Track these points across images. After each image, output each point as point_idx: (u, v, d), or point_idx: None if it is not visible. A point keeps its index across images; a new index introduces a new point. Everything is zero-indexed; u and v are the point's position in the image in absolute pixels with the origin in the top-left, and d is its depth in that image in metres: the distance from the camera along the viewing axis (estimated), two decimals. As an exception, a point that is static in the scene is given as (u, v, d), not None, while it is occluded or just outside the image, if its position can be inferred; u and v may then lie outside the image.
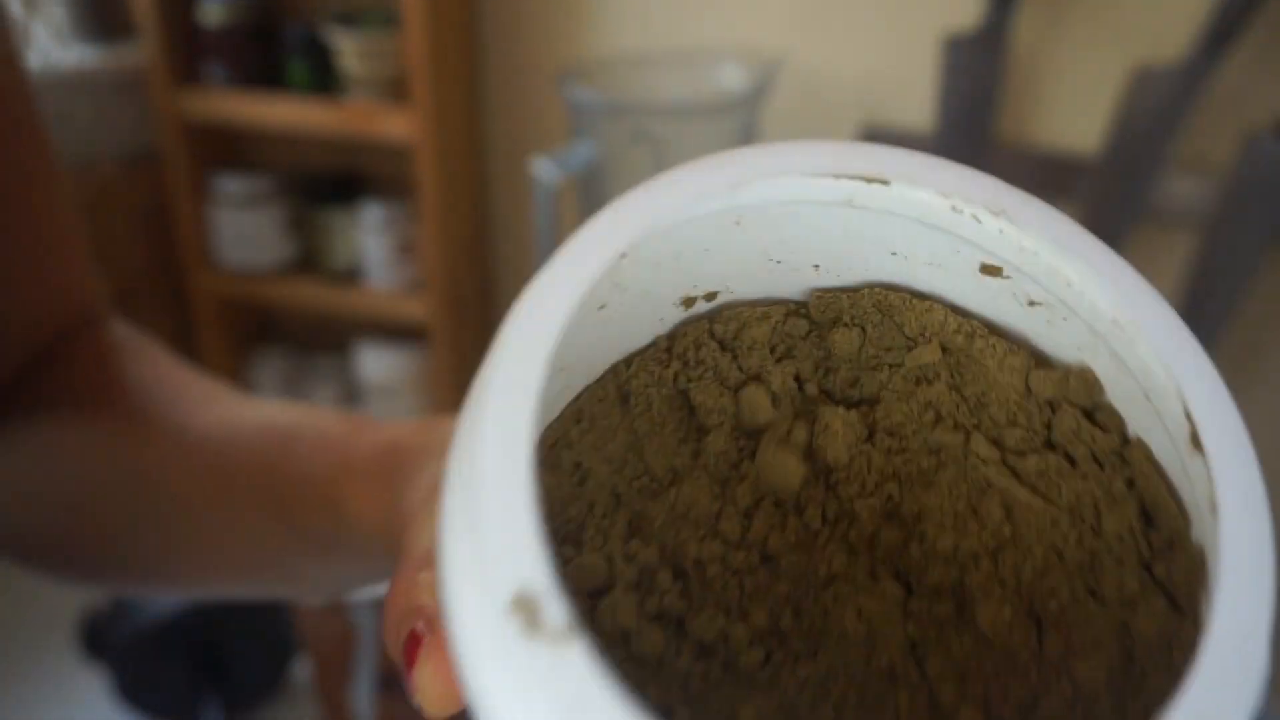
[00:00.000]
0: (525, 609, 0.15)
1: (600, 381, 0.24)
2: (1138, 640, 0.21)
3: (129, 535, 0.32)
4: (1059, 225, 0.21)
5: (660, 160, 0.81)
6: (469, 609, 0.16)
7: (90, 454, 0.31)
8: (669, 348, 0.25)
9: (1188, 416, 0.20)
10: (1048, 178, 0.78)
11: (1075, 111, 0.80)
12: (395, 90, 0.99)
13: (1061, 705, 0.22)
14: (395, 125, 0.97)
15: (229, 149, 1.14)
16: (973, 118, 0.79)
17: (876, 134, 0.90)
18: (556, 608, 0.16)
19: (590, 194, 0.84)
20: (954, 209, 0.21)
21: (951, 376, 0.25)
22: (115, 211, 1.10)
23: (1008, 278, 0.22)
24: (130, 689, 0.77)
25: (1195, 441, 0.19)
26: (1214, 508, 0.18)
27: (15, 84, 0.31)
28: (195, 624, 0.79)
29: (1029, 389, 0.24)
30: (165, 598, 0.67)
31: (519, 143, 1.04)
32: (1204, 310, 0.72)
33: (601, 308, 0.22)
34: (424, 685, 0.21)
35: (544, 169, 0.76)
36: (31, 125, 0.32)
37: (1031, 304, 0.23)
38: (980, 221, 0.21)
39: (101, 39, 1.12)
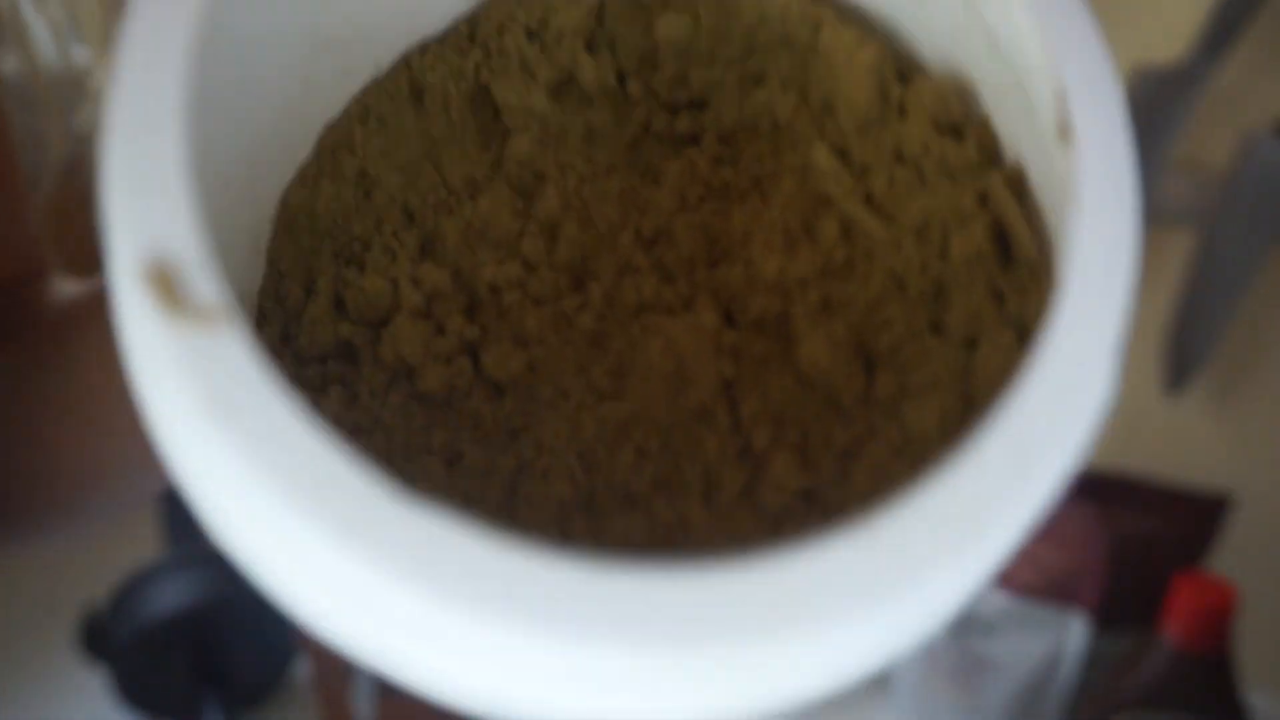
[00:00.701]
0: (163, 280, 0.12)
1: (391, 75, 0.20)
2: (978, 379, 0.18)
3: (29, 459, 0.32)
4: None
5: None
6: (112, 269, 0.13)
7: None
8: (470, 33, 0.21)
9: (1060, 99, 0.16)
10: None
11: (1075, 111, 0.79)
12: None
13: (887, 452, 0.19)
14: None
15: (229, 149, 1.14)
16: (973, 118, 0.78)
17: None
18: (205, 280, 0.13)
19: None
20: None
21: (794, 75, 0.21)
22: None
23: None
24: (130, 689, 0.76)
25: (1065, 130, 0.16)
26: (1075, 195, 0.15)
27: None
28: (195, 624, 0.79)
29: (881, 91, 0.20)
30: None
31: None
32: (1204, 310, 0.72)
33: None
34: None
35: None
36: None
37: None
38: None
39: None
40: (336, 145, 0.20)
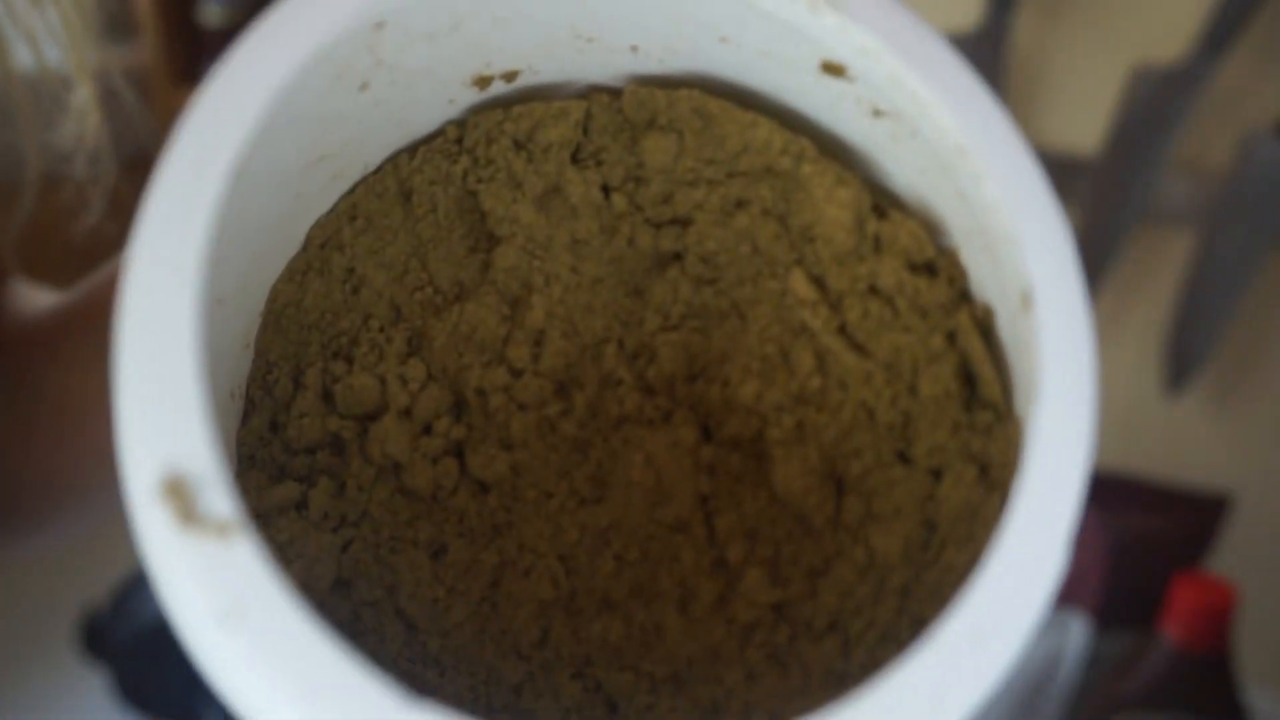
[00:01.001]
0: (178, 495, 0.13)
1: (379, 174, 0.21)
2: (941, 509, 0.20)
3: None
4: (908, 28, 0.18)
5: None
6: (128, 482, 0.13)
7: None
8: (459, 139, 0.21)
9: (1023, 273, 0.17)
10: (1047, 177, 0.79)
11: (1075, 111, 0.80)
12: (395, 90, 0.99)
13: (853, 573, 0.20)
14: (395, 125, 0.97)
15: (229, 149, 1.14)
16: (973, 118, 0.78)
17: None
18: (218, 495, 0.13)
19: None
20: None
21: (775, 203, 0.21)
22: (114, 211, 1.10)
23: (851, 80, 0.19)
24: (130, 689, 0.76)
25: (1026, 301, 0.17)
26: (1035, 382, 0.16)
27: None
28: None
29: (859, 226, 0.20)
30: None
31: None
32: (1204, 310, 0.72)
33: (363, 88, 0.18)
34: None
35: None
36: None
37: (876, 114, 0.19)
38: (817, 12, 0.18)
39: (102, 39, 1.13)
40: (325, 242, 0.21)
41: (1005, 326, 0.19)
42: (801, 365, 0.21)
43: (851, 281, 0.21)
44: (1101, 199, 0.74)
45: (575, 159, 0.21)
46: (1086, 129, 0.80)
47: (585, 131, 0.21)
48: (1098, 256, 0.74)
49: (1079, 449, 0.16)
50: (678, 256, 0.22)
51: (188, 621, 0.13)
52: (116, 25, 1.13)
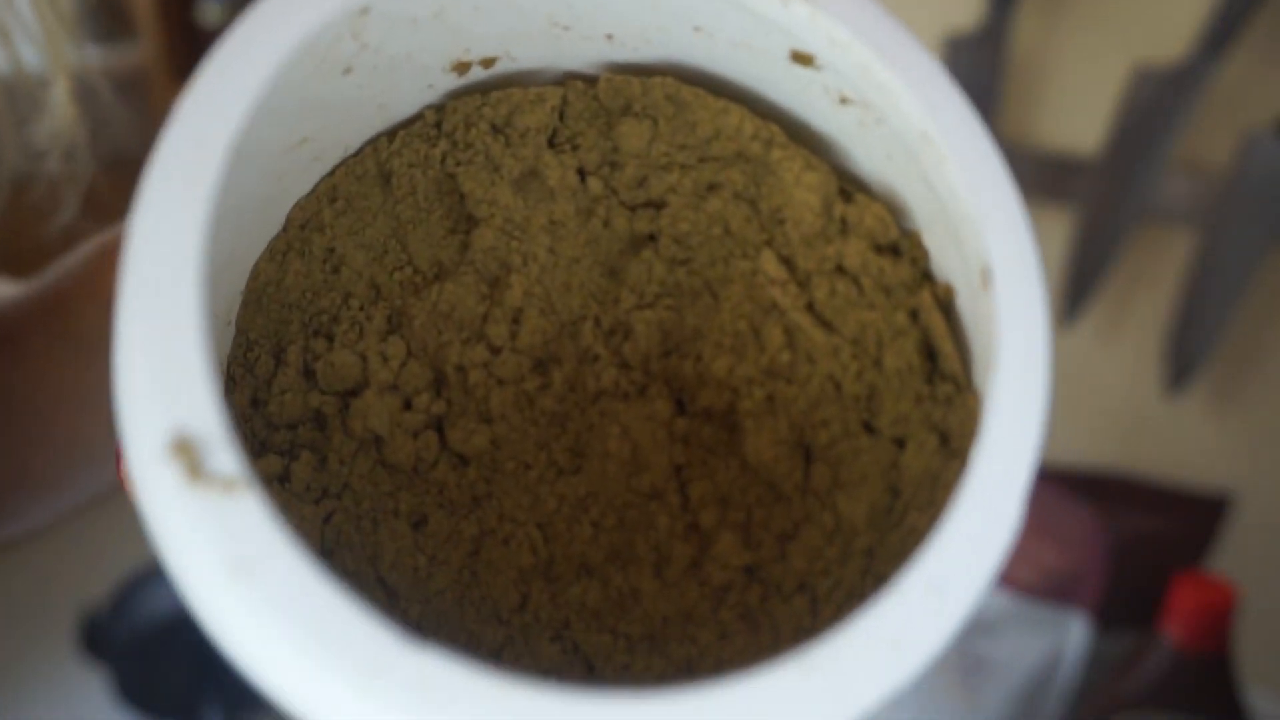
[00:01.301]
0: (186, 454, 0.13)
1: (359, 157, 0.21)
2: (904, 476, 0.20)
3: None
4: (875, 20, 0.19)
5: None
6: (132, 444, 0.14)
7: None
8: (438, 123, 0.22)
9: (983, 251, 0.18)
10: (1048, 178, 0.79)
11: (1075, 111, 0.80)
12: (395, 90, 0.99)
13: (820, 536, 0.21)
14: (395, 125, 0.97)
15: (229, 149, 1.14)
16: (973, 118, 0.78)
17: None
18: (224, 453, 0.14)
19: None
20: None
21: (746, 187, 0.22)
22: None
23: (819, 69, 0.20)
24: (130, 689, 0.76)
25: (986, 279, 0.18)
26: (993, 354, 0.17)
27: None
28: (195, 624, 0.79)
29: (826, 209, 0.21)
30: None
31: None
32: (1204, 310, 0.72)
33: (346, 71, 0.18)
34: None
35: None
36: None
37: (843, 101, 0.20)
38: (788, 4, 0.19)
39: (101, 39, 1.13)
40: (306, 223, 0.21)
41: (965, 304, 0.20)
42: (771, 341, 0.22)
43: (819, 261, 0.22)
44: (1101, 199, 0.74)
45: (552, 143, 0.22)
46: (1086, 129, 0.80)
47: (561, 117, 0.22)
48: (1098, 256, 0.74)
49: (1034, 416, 0.17)
50: (652, 238, 0.23)
51: (196, 576, 0.14)
52: (115, 25, 1.13)
